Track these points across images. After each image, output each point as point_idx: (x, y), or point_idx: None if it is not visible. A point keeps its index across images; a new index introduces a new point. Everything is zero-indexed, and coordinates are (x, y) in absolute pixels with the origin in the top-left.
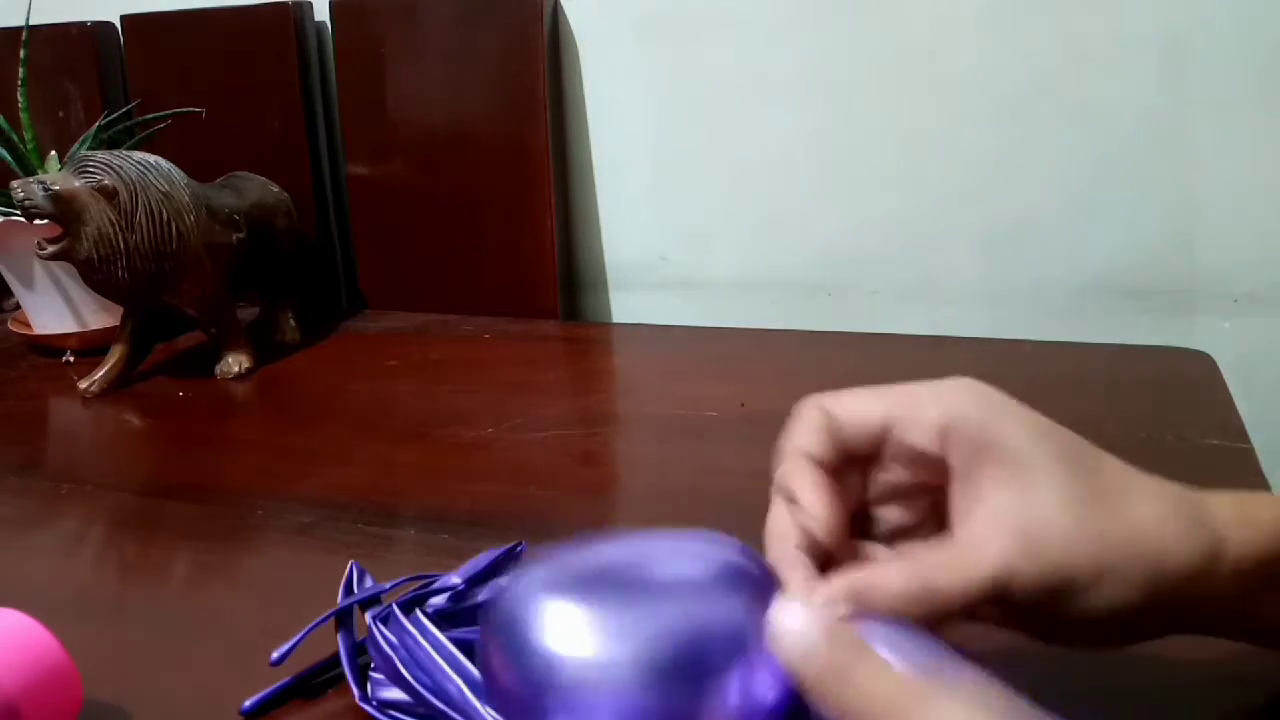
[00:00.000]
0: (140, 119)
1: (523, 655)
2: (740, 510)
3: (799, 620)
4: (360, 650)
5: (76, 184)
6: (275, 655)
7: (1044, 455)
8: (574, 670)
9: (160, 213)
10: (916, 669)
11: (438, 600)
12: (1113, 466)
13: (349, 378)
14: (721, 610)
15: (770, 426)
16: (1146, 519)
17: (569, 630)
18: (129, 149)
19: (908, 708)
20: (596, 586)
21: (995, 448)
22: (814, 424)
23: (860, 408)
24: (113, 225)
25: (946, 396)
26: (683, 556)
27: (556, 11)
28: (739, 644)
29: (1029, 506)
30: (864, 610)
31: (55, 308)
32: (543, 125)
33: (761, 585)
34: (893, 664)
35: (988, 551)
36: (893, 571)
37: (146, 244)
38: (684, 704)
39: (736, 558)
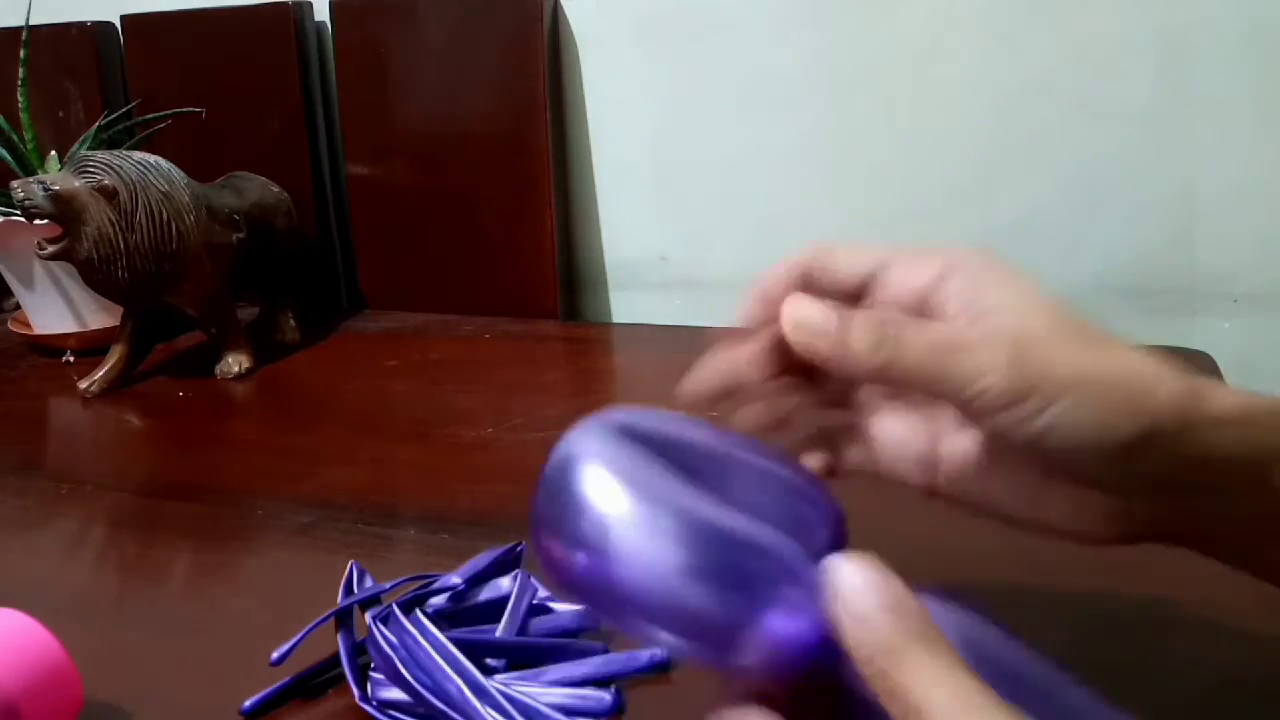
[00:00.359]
0: (140, 119)
1: (567, 503)
2: None
3: (862, 583)
4: (360, 650)
5: (76, 184)
6: (275, 655)
7: (1037, 301)
8: (613, 534)
9: (160, 213)
10: (983, 669)
11: (438, 600)
12: (1103, 331)
13: (349, 378)
14: (778, 533)
15: None
16: (1133, 357)
17: (617, 492)
18: (129, 149)
19: None
20: (667, 453)
21: (990, 289)
22: (801, 256)
23: (856, 249)
24: (113, 225)
25: (946, 250)
26: (758, 466)
27: (556, 11)
28: (789, 573)
29: (1020, 328)
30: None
31: (55, 308)
32: (543, 125)
33: (829, 522)
34: (955, 663)
35: (979, 346)
36: (918, 327)
37: (146, 244)
38: (719, 611)
39: (810, 488)
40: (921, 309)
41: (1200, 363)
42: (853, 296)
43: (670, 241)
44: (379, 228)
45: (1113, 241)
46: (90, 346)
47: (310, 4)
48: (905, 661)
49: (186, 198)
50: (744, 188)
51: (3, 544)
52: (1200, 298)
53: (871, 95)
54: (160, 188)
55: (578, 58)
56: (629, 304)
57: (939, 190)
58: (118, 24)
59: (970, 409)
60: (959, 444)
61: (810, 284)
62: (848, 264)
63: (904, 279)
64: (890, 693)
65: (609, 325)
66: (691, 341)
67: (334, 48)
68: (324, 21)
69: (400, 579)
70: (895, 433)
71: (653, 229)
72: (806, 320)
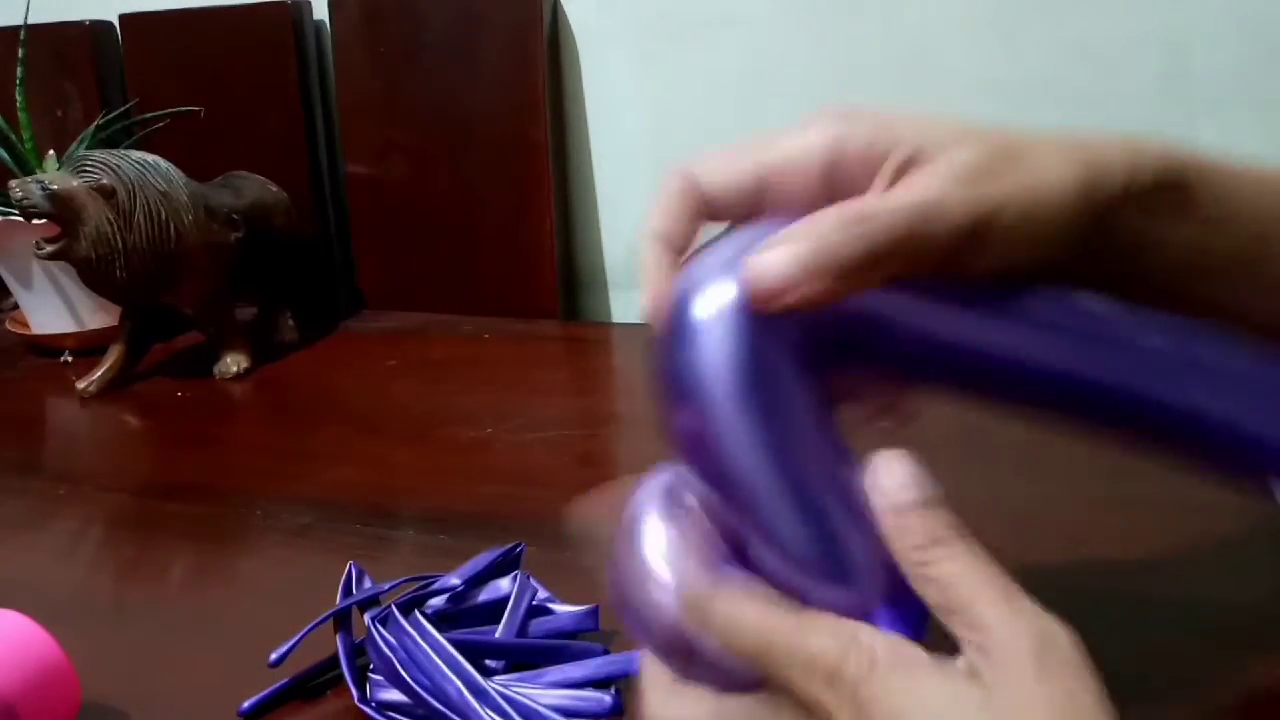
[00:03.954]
0: (138, 118)
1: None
2: None
3: (904, 478)
4: (359, 651)
5: (75, 183)
6: (274, 656)
7: (949, 135)
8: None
9: (158, 212)
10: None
11: (437, 601)
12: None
13: (348, 378)
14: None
15: None
16: (1074, 141)
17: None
18: (127, 148)
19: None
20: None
21: (895, 150)
22: (673, 196)
23: (725, 165)
24: (111, 225)
25: (819, 126)
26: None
27: (556, 10)
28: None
29: (948, 164)
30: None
31: (53, 307)
32: (543, 124)
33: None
34: (990, 560)
35: (914, 185)
36: (830, 212)
37: (145, 243)
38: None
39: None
40: (832, 196)
41: None
42: (745, 215)
43: None
44: (378, 227)
45: None
46: (88, 346)
47: (309, 2)
48: (950, 555)
49: (185, 197)
50: None
51: (1, 545)
52: None
53: (872, 93)
54: (158, 187)
55: (577, 56)
56: (629, 304)
57: None
58: (116, 23)
59: (956, 249)
60: None
61: (684, 225)
62: (721, 190)
63: (791, 187)
64: (936, 582)
65: (609, 325)
66: None
67: (333, 47)
68: (323, 20)
69: (399, 580)
70: None
71: None
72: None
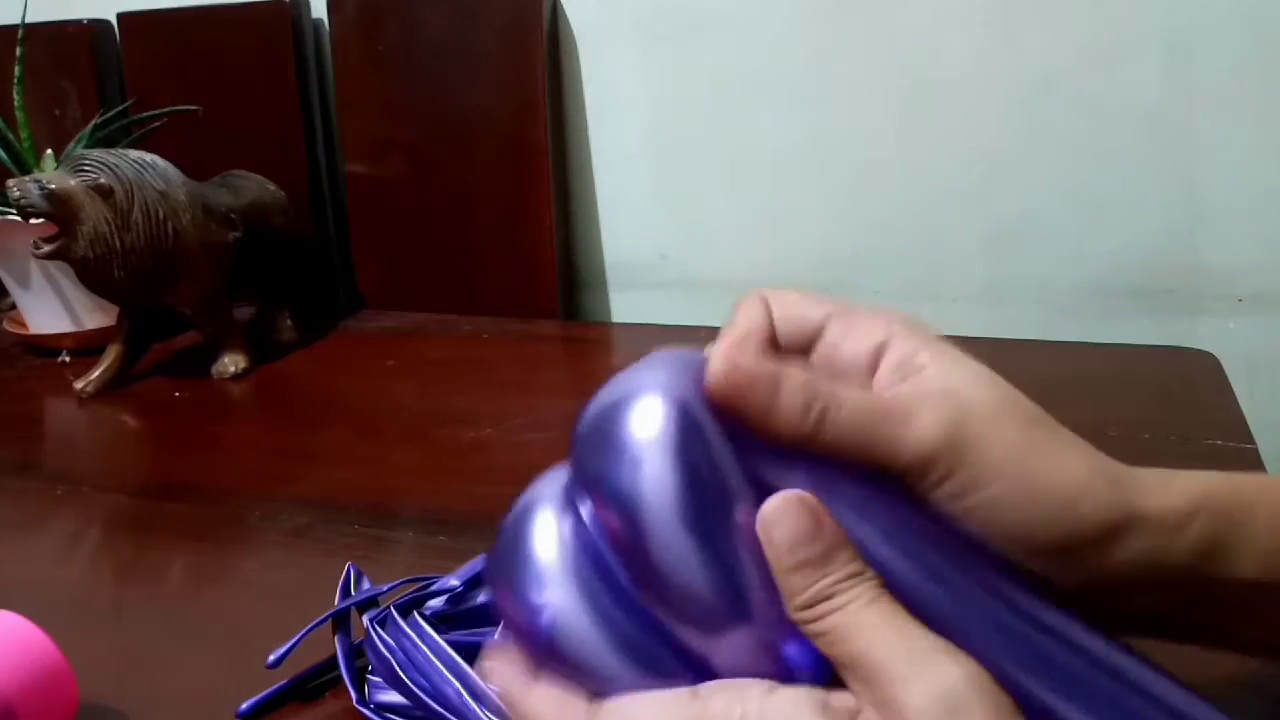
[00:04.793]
0: (136, 117)
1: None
2: None
3: (791, 529)
4: (358, 653)
5: (72, 183)
6: (272, 658)
7: (978, 371)
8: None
9: (156, 212)
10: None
11: (436, 603)
12: (1046, 419)
13: (346, 378)
14: None
15: None
16: (1067, 457)
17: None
18: (125, 147)
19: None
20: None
21: (931, 357)
22: (759, 309)
23: (800, 302)
24: (109, 224)
25: (889, 315)
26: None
27: (556, 9)
28: None
29: (959, 396)
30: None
31: (51, 307)
32: (542, 123)
33: None
34: (894, 609)
35: (915, 413)
36: (853, 392)
37: (142, 243)
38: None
39: None
40: (860, 376)
41: (1205, 363)
42: (801, 350)
43: (670, 240)
44: (377, 226)
45: (1116, 241)
46: (86, 346)
47: (308, 1)
48: (840, 606)
49: (183, 196)
50: (744, 185)
51: None
52: (1205, 297)
53: (873, 92)
54: (156, 186)
55: (577, 55)
56: (629, 304)
57: (941, 190)
58: (114, 22)
59: (906, 476)
60: None
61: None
62: (791, 321)
63: (848, 340)
64: (825, 637)
65: (609, 325)
66: (691, 341)
67: (331, 45)
68: (321, 19)
69: (398, 581)
70: None
71: (653, 227)
72: (741, 369)
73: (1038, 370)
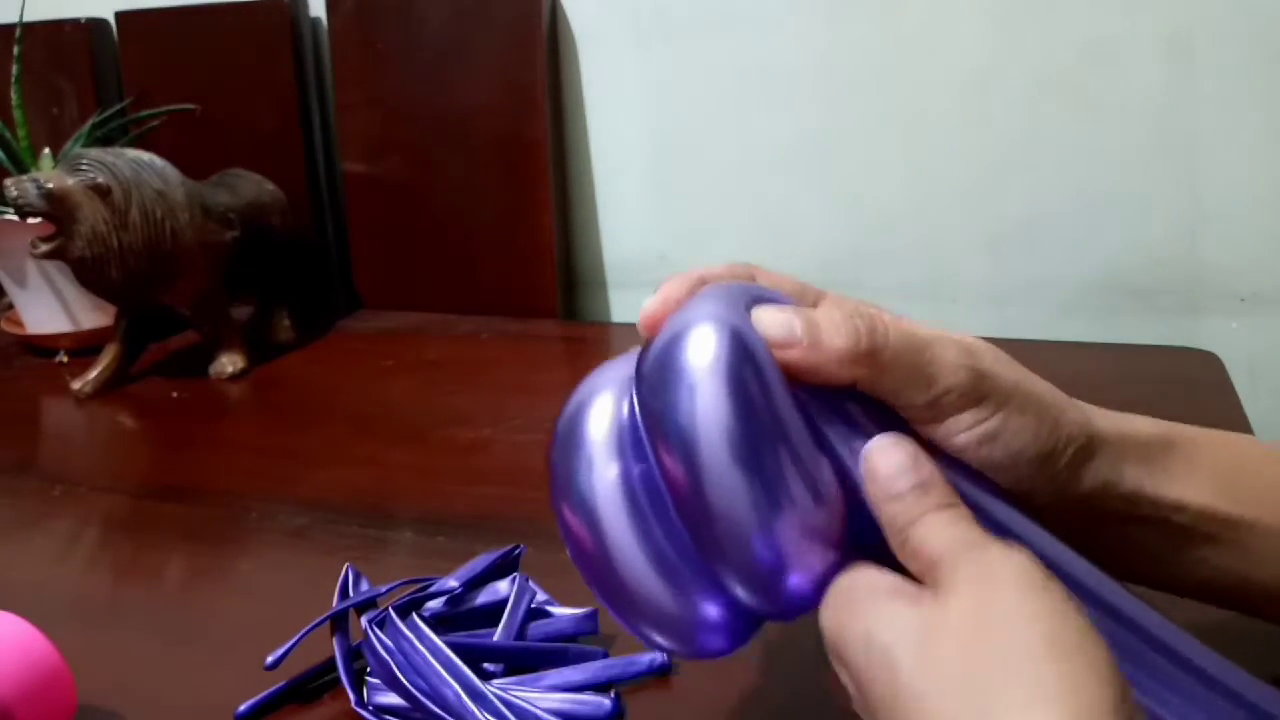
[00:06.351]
0: (134, 116)
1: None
2: None
3: (896, 464)
4: (356, 655)
5: (70, 182)
6: (270, 659)
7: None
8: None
9: (154, 211)
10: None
11: (434, 604)
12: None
13: (345, 378)
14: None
15: None
16: (1045, 383)
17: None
18: (123, 146)
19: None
20: None
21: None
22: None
23: (778, 276)
24: (106, 224)
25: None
26: None
27: (556, 8)
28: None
29: (972, 347)
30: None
31: (49, 307)
32: (542, 122)
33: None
34: (968, 519)
35: (943, 343)
36: (892, 318)
37: (140, 242)
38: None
39: None
40: None
41: (1207, 362)
42: None
43: (670, 239)
44: (375, 226)
45: (1119, 241)
46: (84, 346)
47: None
48: (924, 525)
49: (181, 196)
50: (744, 185)
51: None
52: (1207, 297)
53: (873, 92)
54: (154, 186)
55: (577, 54)
56: (628, 303)
57: (942, 190)
58: (112, 20)
59: (935, 407)
60: None
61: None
62: (771, 282)
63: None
64: (912, 554)
65: (608, 325)
66: None
67: (330, 44)
68: (320, 18)
69: (397, 582)
70: None
71: (652, 227)
72: (772, 331)
73: (1040, 370)
